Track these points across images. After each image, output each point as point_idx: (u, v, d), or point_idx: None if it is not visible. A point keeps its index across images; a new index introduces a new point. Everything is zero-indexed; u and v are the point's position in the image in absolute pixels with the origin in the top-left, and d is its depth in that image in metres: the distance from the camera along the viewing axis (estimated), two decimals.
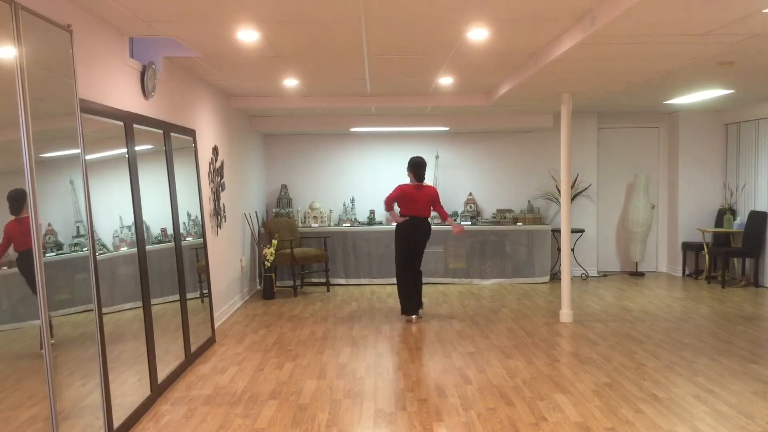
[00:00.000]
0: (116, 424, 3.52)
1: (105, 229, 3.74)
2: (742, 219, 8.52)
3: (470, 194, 9.28)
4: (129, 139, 4.07)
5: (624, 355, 5.18)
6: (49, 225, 3.04)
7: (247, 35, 4.42)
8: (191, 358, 5.03)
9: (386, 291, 8.37)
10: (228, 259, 6.99)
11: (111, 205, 3.86)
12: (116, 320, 3.76)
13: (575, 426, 3.71)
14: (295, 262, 7.99)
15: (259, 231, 8.52)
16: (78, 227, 3.30)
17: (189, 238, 5.27)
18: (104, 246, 3.69)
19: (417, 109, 8.01)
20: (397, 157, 9.39)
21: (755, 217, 8.21)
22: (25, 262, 2.80)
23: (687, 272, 9.17)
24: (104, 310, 3.48)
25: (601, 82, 6.07)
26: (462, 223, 9.00)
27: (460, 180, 9.40)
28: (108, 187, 3.84)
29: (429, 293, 8.12)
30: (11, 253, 2.75)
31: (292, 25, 4.21)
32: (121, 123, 4.01)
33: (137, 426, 3.80)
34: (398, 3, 3.70)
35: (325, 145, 9.46)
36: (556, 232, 8.76)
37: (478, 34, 4.43)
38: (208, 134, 6.35)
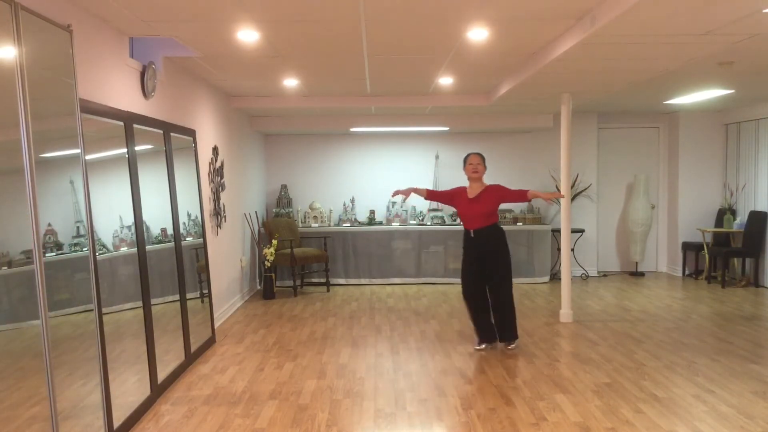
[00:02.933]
0: (116, 424, 3.52)
1: (105, 229, 3.73)
2: (742, 219, 8.52)
3: None
4: (129, 139, 4.07)
5: (624, 355, 5.17)
6: (49, 225, 3.05)
7: (247, 35, 4.42)
8: (191, 358, 5.03)
9: (386, 291, 8.37)
10: (228, 259, 6.99)
11: (111, 205, 3.86)
12: (116, 320, 3.76)
13: (575, 426, 3.71)
14: (295, 262, 7.99)
15: (259, 231, 8.51)
16: (78, 227, 3.30)
17: (189, 238, 5.27)
18: (104, 246, 3.69)
19: (417, 109, 8.00)
20: (397, 157, 9.40)
21: (755, 217, 8.21)
22: None
23: (687, 272, 9.16)
24: (104, 310, 3.48)
25: (601, 82, 6.07)
26: None
27: (460, 180, 9.25)
28: (108, 187, 3.84)
29: (429, 293, 8.12)
30: (10, 252, 2.75)
31: (292, 25, 4.21)
32: (121, 123, 4.01)
33: (137, 426, 3.80)
34: (398, 3, 3.70)
35: (325, 145, 9.45)
36: (556, 232, 8.75)
37: (478, 34, 4.43)
38: (208, 134, 6.35)
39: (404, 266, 8.92)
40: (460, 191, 5.52)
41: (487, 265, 5.35)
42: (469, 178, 5.49)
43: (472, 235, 5.36)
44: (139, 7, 3.74)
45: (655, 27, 3.94)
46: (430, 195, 5.66)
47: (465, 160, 5.52)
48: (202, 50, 4.91)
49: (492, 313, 5.44)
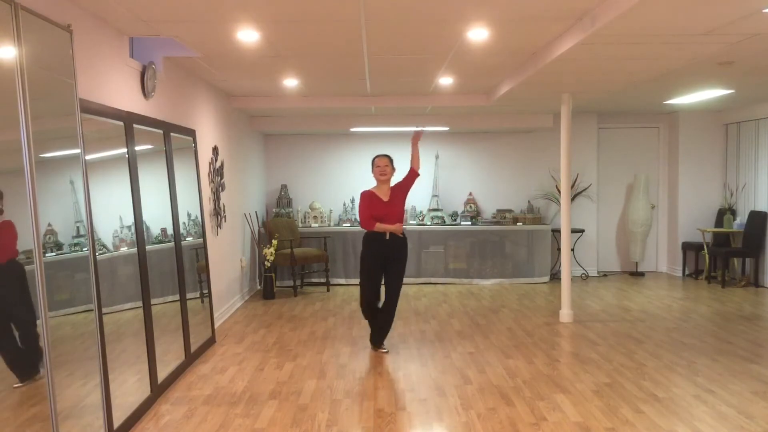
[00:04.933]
0: (116, 424, 3.52)
1: (105, 229, 3.73)
2: (742, 219, 8.52)
3: (470, 194, 9.28)
4: (129, 139, 4.07)
5: (624, 355, 5.17)
6: (49, 225, 3.04)
7: (247, 35, 4.42)
8: (191, 358, 5.03)
9: None
10: (228, 259, 6.99)
11: (111, 205, 3.86)
12: (116, 320, 3.76)
13: (575, 426, 3.71)
14: (295, 262, 7.99)
15: (259, 231, 8.51)
16: (78, 227, 3.30)
17: (189, 238, 5.27)
18: (104, 246, 3.69)
19: (417, 109, 8.00)
20: (397, 158, 9.35)
21: (755, 217, 8.21)
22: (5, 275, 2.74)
23: (687, 272, 9.16)
24: (104, 310, 3.48)
25: (601, 82, 6.07)
26: (462, 222, 9.00)
27: (460, 180, 9.39)
28: (108, 187, 3.84)
29: (429, 293, 8.13)
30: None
31: (292, 25, 4.21)
32: (121, 123, 4.01)
33: (137, 426, 3.80)
34: (398, 3, 3.70)
35: (325, 145, 9.45)
36: (556, 232, 8.75)
37: (478, 34, 4.43)
38: (208, 134, 6.35)
39: None
40: (370, 194, 5.29)
41: (389, 271, 5.24)
42: (378, 181, 5.35)
43: (387, 238, 5.18)
44: (139, 7, 3.74)
45: (655, 27, 3.94)
46: (372, 223, 5.20)
47: (372, 163, 5.37)
48: (202, 50, 4.91)
49: (380, 317, 5.34)
